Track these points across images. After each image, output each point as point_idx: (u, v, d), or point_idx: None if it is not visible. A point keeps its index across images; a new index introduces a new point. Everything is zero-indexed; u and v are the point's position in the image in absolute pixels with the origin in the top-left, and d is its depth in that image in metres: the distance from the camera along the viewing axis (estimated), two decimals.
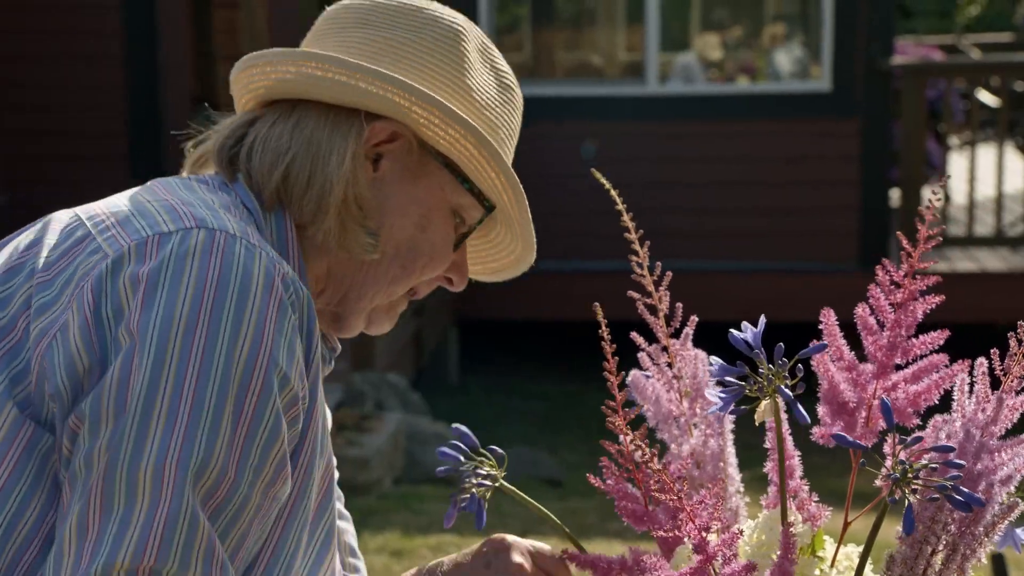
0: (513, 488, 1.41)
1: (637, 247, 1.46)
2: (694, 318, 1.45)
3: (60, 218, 1.36)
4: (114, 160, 8.65)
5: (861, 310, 1.34)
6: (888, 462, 1.25)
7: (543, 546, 1.47)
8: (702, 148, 8.45)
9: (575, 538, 1.43)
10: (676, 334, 1.46)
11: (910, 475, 1.23)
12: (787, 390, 1.28)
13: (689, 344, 1.46)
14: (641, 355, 1.45)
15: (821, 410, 1.34)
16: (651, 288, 1.44)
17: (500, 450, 1.41)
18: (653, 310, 1.47)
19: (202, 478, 1.18)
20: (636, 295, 1.46)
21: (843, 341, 1.34)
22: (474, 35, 1.47)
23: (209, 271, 1.22)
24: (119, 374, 1.20)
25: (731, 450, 1.42)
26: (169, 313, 1.20)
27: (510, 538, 1.46)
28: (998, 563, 2.45)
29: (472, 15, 8.46)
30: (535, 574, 1.45)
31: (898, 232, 1.40)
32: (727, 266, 8.24)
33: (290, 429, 1.26)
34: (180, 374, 1.19)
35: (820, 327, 1.34)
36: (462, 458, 1.42)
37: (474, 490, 1.39)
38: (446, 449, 1.41)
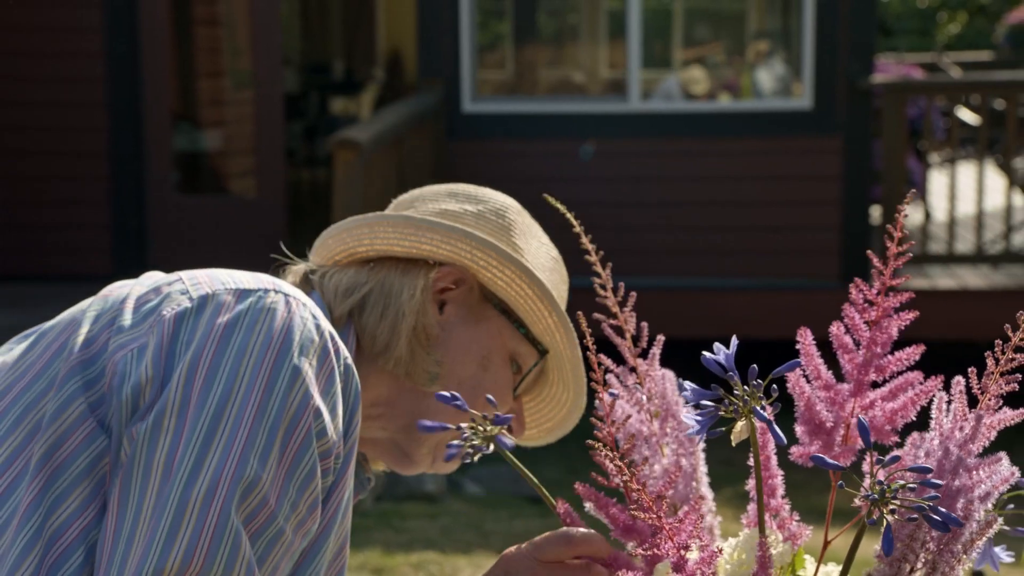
0: (511, 457, 1.40)
1: (599, 267, 1.46)
2: (661, 337, 1.46)
3: (155, 273, 1.51)
4: (96, 180, 8.63)
5: (836, 328, 1.34)
6: (866, 482, 1.25)
7: (544, 537, 1.45)
8: (684, 166, 8.47)
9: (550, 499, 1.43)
10: (645, 354, 1.47)
11: (888, 495, 1.23)
12: (763, 411, 1.28)
13: (656, 364, 1.46)
14: (609, 376, 1.45)
15: (799, 430, 1.34)
16: (615, 308, 1.44)
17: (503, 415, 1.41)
18: (619, 331, 1.47)
19: (248, 498, 1.28)
20: (601, 316, 1.47)
21: (820, 360, 1.34)
22: (520, 211, 1.66)
23: (279, 326, 1.35)
24: (183, 395, 1.31)
25: (703, 469, 1.42)
26: (241, 353, 1.33)
27: (515, 549, 1.44)
28: None
29: (454, 32, 8.51)
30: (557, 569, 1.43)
31: (868, 252, 1.41)
32: (709, 283, 8.25)
33: (322, 479, 1.37)
34: (243, 406, 1.31)
35: (797, 347, 1.35)
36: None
37: (469, 448, 1.37)
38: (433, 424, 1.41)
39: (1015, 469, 1.29)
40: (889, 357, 1.33)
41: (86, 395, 1.35)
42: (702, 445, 1.43)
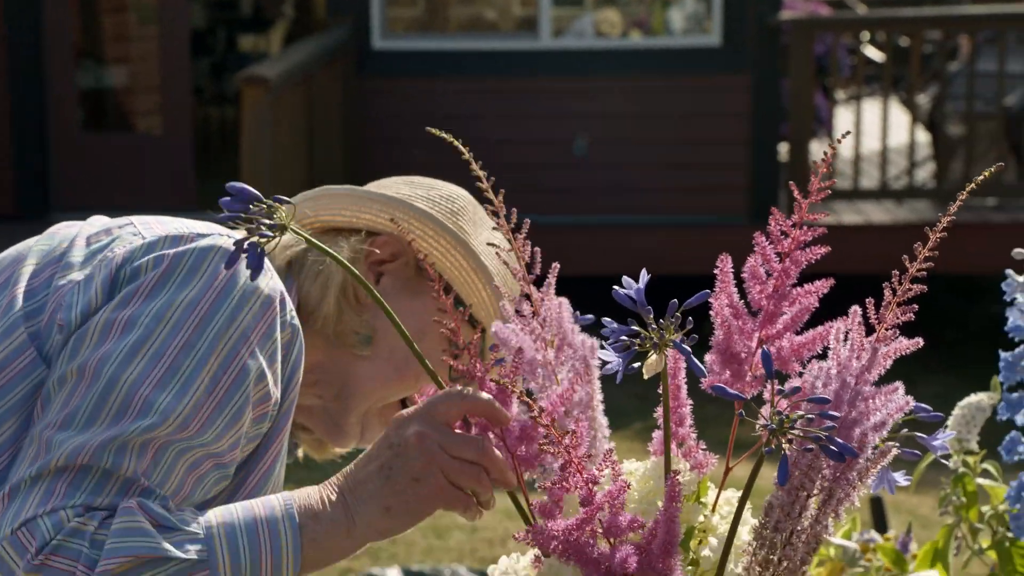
0: (303, 233, 1.38)
1: (490, 194, 1.42)
2: (556, 265, 1.44)
3: (102, 217, 1.52)
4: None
5: (751, 260, 1.34)
6: (766, 412, 1.26)
7: (437, 394, 1.41)
8: (593, 103, 8.47)
9: (436, 376, 1.42)
10: (540, 283, 1.45)
11: (786, 425, 1.24)
12: (683, 343, 1.29)
13: (552, 292, 1.45)
14: (502, 304, 1.44)
15: (710, 359, 1.35)
16: (508, 235, 1.44)
17: (288, 199, 1.38)
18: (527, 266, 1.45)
19: (163, 425, 1.32)
20: (494, 245, 1.47)
21: (735, 288, 1.35)
22: (474, 204, 1.68)
23: (223, 271, 1.38)
24: (115, 313, 1.37)
25: (599, 397, 1.43)
26: (176, 292, 1.37)
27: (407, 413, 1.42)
28: (877, 506, 2.52)
29: None
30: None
31: (790, 182, 1.42)
32: (619, 221, 8.29)
33: (256, 425, 1.41)
34: (169, 337, 1.35)
35: (715, 272, 1.35)
36: (251, 207, 1.36)
37: (257, 238, 1.34)
38: (229, 199, 1.35)
39: (910, 398, 1.31)
40: (798, 288, 1.34)
41: (27, 325, 1.39)
42: (598, 374, 1.43)
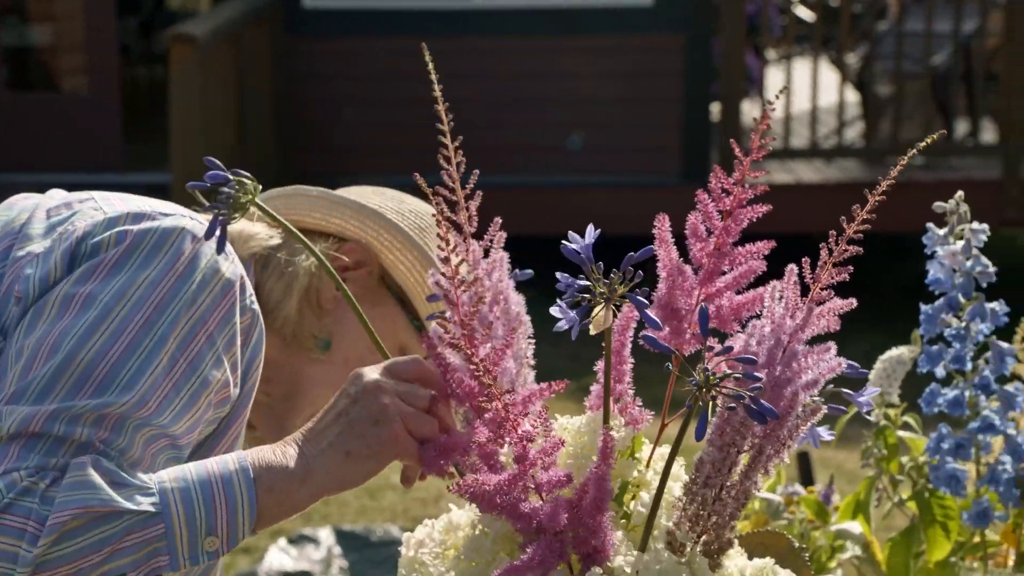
0: (266, 207, 1.40)
1: (448, 142, 1.43)
2: (498, 219, 1.44)
3: (60, 191, 1.52)
4: None
5: (693, 218, 1.35)
6: (696, 369, 1.27)
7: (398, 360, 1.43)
8: (527, 63, 8.45)
9: (380, 344, 1.43)
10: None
11: (712, 383, 1.26)
12: (639, 298, 1.29)
13: (489, 249, 1.44)
14: (438, 255, 1.44)
15: (652, 314, 1.34)
16: (460, 199, 1.43)
17: (251, 177, 1.40)
18: (456, 225, 1.44)
19: (119, 403, 1.31)
20: (439, 194, 1.42)
21: (674, 248, 1.35)
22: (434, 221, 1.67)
23: (185, 253, 1.38)
24: (75, 287, 1.35)
25: (530, 352, 1.44)
26: (138, 271, 1.36)
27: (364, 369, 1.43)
28: (804, 461, 2.55)
29: None
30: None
31: (730, 140, 1.42)
32: (552, 181, 8.29)
33: (216, 410, 1.42)
34: (129, 316, 1.34)
35: (653, 232, 1.35)
36: (229, 176, 1.38)
37: (223, 211, 1.37)
38: (216, 172, 1.38)
39: (842, 360, 1.32)
40: (739, 248, 1.35)
41: None
42: (528, 331, 1.44)
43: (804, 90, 8.40)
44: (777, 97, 1.42)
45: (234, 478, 1.32)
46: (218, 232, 1.38)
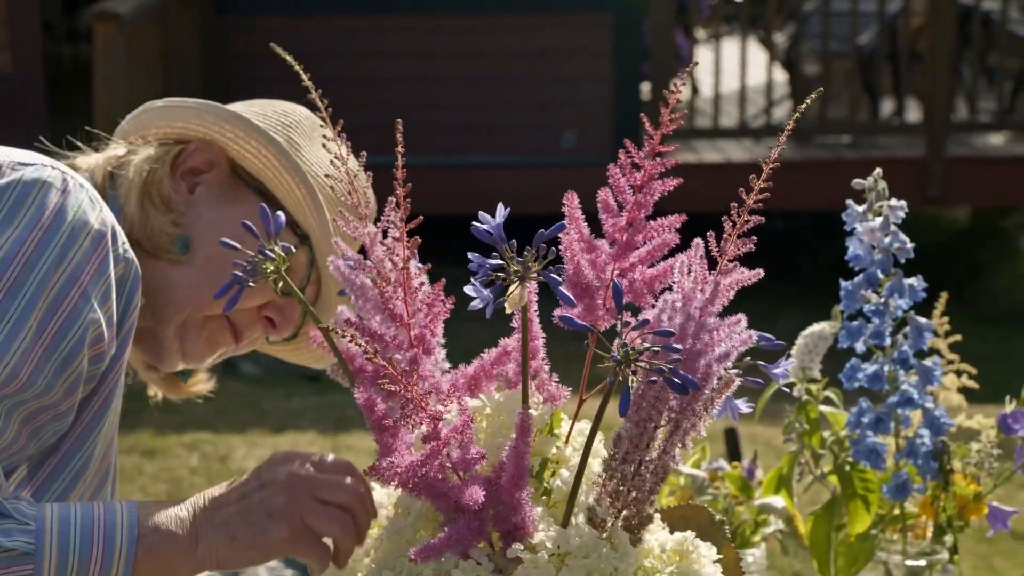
0: (290, 282, 1.39)
1: (328, 122, 1.42)
2: (392, 199, 1.42)
3: None
4: None
5: (603, 193, 1.35)
6: (615, 344, 1.27)
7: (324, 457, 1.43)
8: (455, 41, 8.43)
9: (331, 338, 1.41)
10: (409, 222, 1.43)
11: (632, 357, 1.26)
12: (553, 276, 1.29)
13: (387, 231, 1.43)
14: (335, 241, 1.43)
15: (564, 292, 1.35)
16: (349, 180, 1.42)
17: (292, 248, 1.39)
18: (352, 208, 1.42)
19: None
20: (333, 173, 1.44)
21: (584, 223, 1.35)
22: (314, 122, 1.62)
23: (50, 206, 1.33)
24: None
25: (439, 332, 1.43)
26: (5, 224, 1.30)
27: (294, 453, 1.42)
28: (731, 437, 2.57)
29: None
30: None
31: (642, 114, 1.43)
32: (480, 160, 8.28)
33: (92, 366, 1.36)
34: None
35: (563, 209, 1.35)
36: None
37: (243, 266, 1.37)
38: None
39: (753, 332, 1.33)
40: (652, 222, 1.35)
41: None
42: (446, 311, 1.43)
43: (733, 69, 8.45)
44: (688, 73, 1.42)
45: (117, 531, 1.28)
46: (232, 292, 1.36)
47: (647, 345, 1.27)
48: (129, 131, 1.61)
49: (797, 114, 1.38)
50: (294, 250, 1.43)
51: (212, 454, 5.52)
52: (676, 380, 1.26)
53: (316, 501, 1.35)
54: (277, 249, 1.38)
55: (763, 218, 1.35)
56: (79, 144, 1.62)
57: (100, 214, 1.37)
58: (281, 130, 1.59)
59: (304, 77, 1.40)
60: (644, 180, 1.35)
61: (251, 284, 1.37)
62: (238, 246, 1.41)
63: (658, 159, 1.35)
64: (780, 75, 9.09)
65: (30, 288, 1.30)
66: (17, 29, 8.60)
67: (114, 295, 1.38)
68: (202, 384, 1.70)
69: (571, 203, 1.36)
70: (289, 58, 1.42)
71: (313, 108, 1.42)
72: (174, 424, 5.83)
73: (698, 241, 1.35)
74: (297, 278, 1.57)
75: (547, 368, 1.41)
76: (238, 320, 1.58)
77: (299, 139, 1.60)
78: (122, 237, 1.39)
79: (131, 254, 1.40)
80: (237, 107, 1.62)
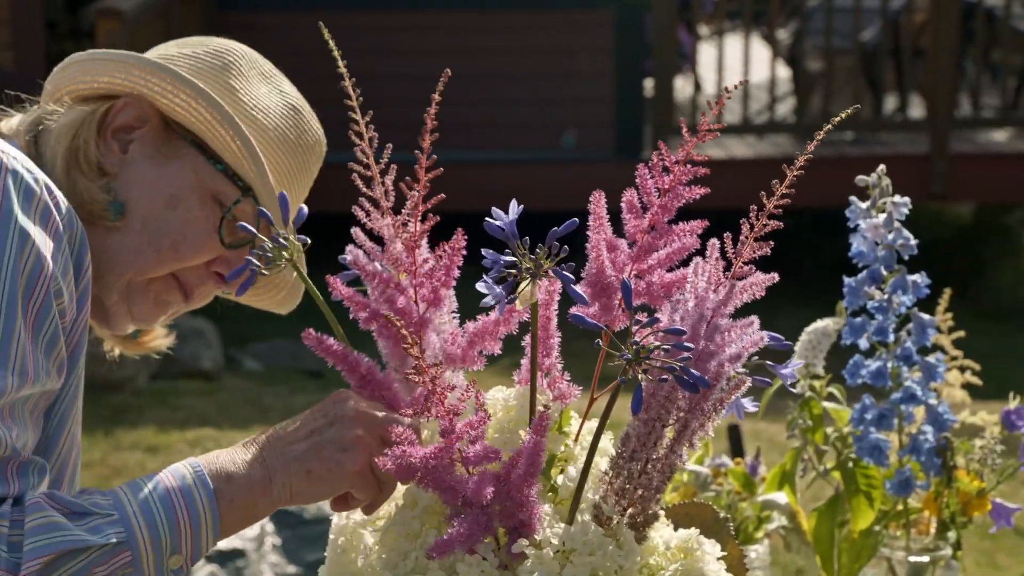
0: (303, 272, 1.39)
1: (363, 136, 1.41)
2: (414, 194, 1.41)
3: None
4: None
5: (629, 194, 1.34)
6: (627, 343, 1.27)
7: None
8: (458, 39, 8.43)
9: (343, 334, 1.41)
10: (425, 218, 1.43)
11: (642, 356, 1.26)
12: (565, 273, 1.29)
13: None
14: (354, 230, 1.41)
15: (582, 290, 1.34)
16: (376, 176, 1.41)
17: (307, 239, 1.39)
18: (374, 201, 1.41)
19: (10, 389, 1.24)
20: (360, 182, 1.41)
21: (609, 225, 1.35)
22: (255, 61, 1.56)
23: None
24: None
25: (451, 323, 1.42)
26: None
27: (351, 392, 1.41)
28: (734, 433, 2.58)
29: None
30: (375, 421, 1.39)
31: (680, 120, 1.42)
32: (485, 157, 8.28)
33: (67, 337, 1.34)
34: None
35: (589, 209, 1.34)
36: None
37: (260, 257, 1.36)
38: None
39: (764, 333, 1.33)
40: (675, 226, 1.35)
41: None
42: (453, 306, 1.42)
43: (736, 65, 8.44)
44: (735, 87, 1.41)
45: (195, 493, 1.30)
46: (246, 276, 1.36)
47: (658, 344, 1.27)
48: (53, 90, 1.53)
49: (840, 116, 1.37)
50: (239, 202, 1.44)
51: (214, 449, 5.53)
52: (687, 379, 1.26)
53: (381, 440, 1.35)
54: (292, 238, 1.38)
55: (782, 223, 1.34)
56: (2, 107, 1.54)
57: (39, 181, 1.32)
58: (215, 75, 1.52)
59: (344, 71, 1.38)
60: (672, 184, 1.34)
61: (264, 272, 1.36)
62: (255, 231, 1.40)
63: (689, 166, 1.34)
64: (783, 71, 9.08)
65: (5, 281, 1.27)
66: (20, 27, 8.60)
67: (71, 267, 1.34)
68: (160, 340, 1.64)
69: (597, 203, 1.34)
70: (337, 54, 1.40)
71: (343, 101, 1.40)
72: (176, 421, 5.83)
73: (714, 242, 1.34)
74: (241, 228, 1.49)
75: (560, 367, 1.41)
76: (187, 278, 1.51)
77: (236, 81, 1.53)
78: (60, 197, 1.35)
79: (75, 218, 1.36)
80: (169, 51, 1.54)
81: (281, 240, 1.38)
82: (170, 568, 1.30)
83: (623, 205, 1.35)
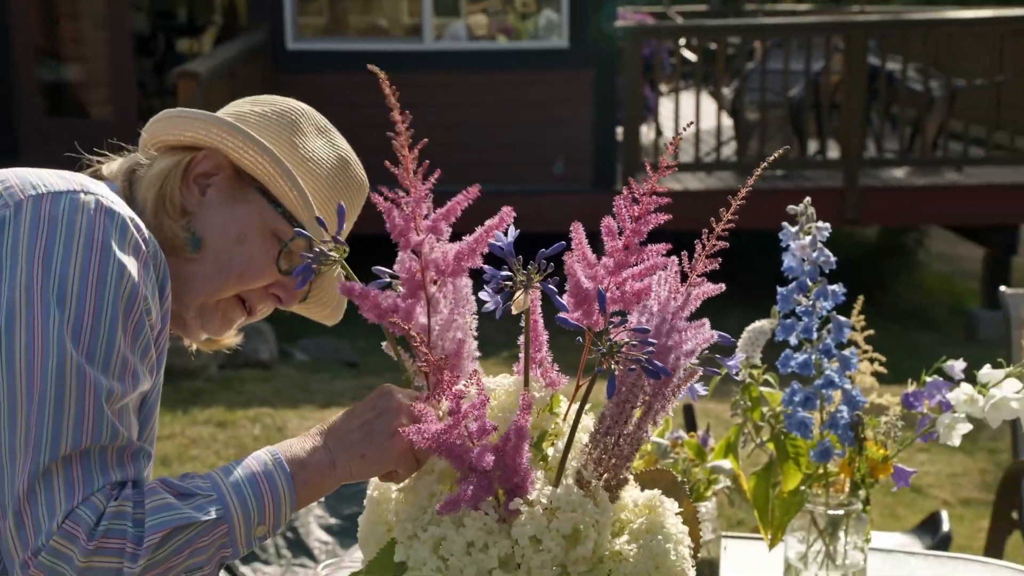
0: (348, 268, 1.38)
1: (408, 161, 1.40)
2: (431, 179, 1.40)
3: None
4: None
5: (608, 221, 1.34)
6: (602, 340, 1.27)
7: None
8: (467, 93, 8.44)
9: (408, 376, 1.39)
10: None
11: (615, 350, 1.27)
12: (550, 285, 1.29)
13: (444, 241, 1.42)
14: (324, 234, 1.41)
15: (566, 299, 1.34)
16: (417, 189, 1.39)
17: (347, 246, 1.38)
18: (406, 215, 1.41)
19: (115, 393, 1.25)
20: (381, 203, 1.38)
21: (588, 247, 1.34)
22: (313, 118, 1.54)
23: (96, 225, 1.27)
24: (27, 298, 1.23)
25: (471, 322, 1.41)
26: (67, 257, 1.25)
27: (393, 387, 1.40)
28: (688, 412, 2.57)
29: None
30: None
31: (645, 160, 1.41)
32: (490, 188, 8.27)
33: (155, 350, 1.34)
34: (79, 308, 1.24)
35: (571, 236, 1.34)
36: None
37: (313, 254, 1.36)
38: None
39: (714, 332, 1.34)
40: (646, 248, 1.34)
41: None
42: (473, 309, 1.42)
43: (689, 115, 8.43)
44: (686, 128, 1.42)
45: (275, 476, 1.31)
46: (305, 274, 1.35)
47: (627, 340, 1.27)
48: (148, 139, 1.52)
49: (773, 156, 1.36)
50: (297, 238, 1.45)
51: (271, 425, 5.51)
52: (650, 368, 1.26)
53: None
54: (343, 244, 1.37)
55: (728, 244, 1.33)
56: (105, 153, 1.55)
57: (131, 222, 1.32)
58: (279, 132, 1.51)
59: (400, 121, 1.38)
60: (642, 212, 1.34)
61: (321, 268, 1.35)
62: (308, 234, 1.41)
63: (654, 196, 1.33)
64: (727, 121, 9.08)
65: (108, 303, 1.26)
66: (116, 87, 8.62)
67: (156, 286, 1.34)
68: (230, 339, 1.62)
69: (577, 232, 1.34)
70: (396, 108, 1.38)
71: (385, 148, 1.39)
72: (240, 402, 5.82)
73: (674, 259, 1.35)
74: (297, 260, 1.50)
75: (550, 359, 1.41)
76: (250, 298, 1.51)
77: (296, 138, 1.51)
78: (147, 233, 1.34)
79: (157, 245, 1.35)
80: (243, 109, 1.53)
81: (331, 247, 1.37)
82: (256, 536, 1.30)
83: (602, 229, 1.35)
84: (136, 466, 1.26)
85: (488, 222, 1.34)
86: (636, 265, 1.34)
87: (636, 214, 1.33)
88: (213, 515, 1.26)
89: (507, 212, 1.34)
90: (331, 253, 1.36)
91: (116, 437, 1.24)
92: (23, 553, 1.20)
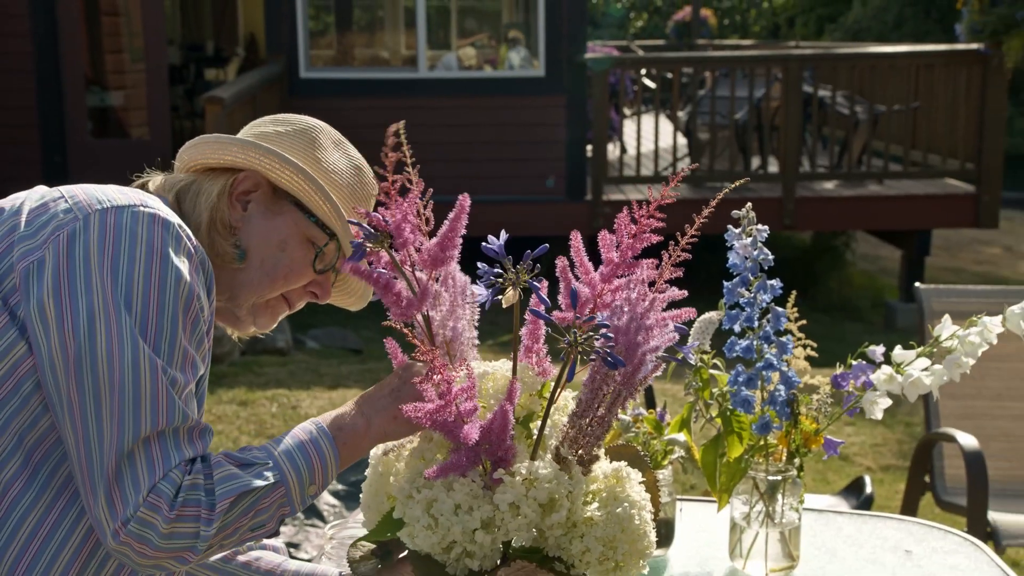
0: (391, 253, 1.34)
1: (411, 171, 1.38)
2: (462, 222, 1.37)
3: (40, 188, 1.37)
4: (28, 127, 8.11)
5: (604, 234, 1.33)
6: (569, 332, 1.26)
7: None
8: (457, 116, 8.43)
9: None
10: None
11: (579, 341, 1.26)
12: (535, 283, 1.28)
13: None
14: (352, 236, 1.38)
15: (560, 300, 1.35)
16: (417, 202, 1.38)
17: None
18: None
19: (180, 382, 1.26)
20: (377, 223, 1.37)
21: (585, 254, 1.33)
22: (328, 133, 1.54)
23: (156, 235, 1.27)
24: (103, 301, 1.23)
25: (469, 314, 1.40)
26: (131, 263, 1.25)
27: (414, 361, 1.39)
28: (648, 392, 2.56)
29: (292, 20, 8.20)
30: None
31: (648, 187, 1.39)
32: (481, 199, 8.24)
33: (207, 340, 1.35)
34: (144, 308, 1.24)
35: (570, 243, 1.33)
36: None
37: (363, 236, 1.32)
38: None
39: (676, 333, 1.33)
40: (636, 260, 1.34)
41: (1, 289, 1.27)
42: (475, 303, 1.41)
43: (650, 135, 8.43)
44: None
45: (321, 442, 1.32)
46: (358, 253, 1.32)
47: (590, 334, 1.26)
48: (188, 160, 1.52)
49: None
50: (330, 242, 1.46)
51: (286, 404, 5.49)
52: (608, 360, 1.26)
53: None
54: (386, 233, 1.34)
55: (691, 255, 1.33)
56: (149, 169, 1.55)
57: (184, 232, 1.32)
58: (304, 149, 1.50)
59: (406, 150, 1.35)
60: (639, 231, 1.33)
61: (369, 246, 1.31)
62: (363, 225, 1.37)
63: (652, 219, 1.33)
64: (682, 140, 9.09)
65: (169, 302, 1.27)
66: (152, 111, 8.57)
67: (204, 290, 1.34)
68: (244, 333, 1.62)
69: (576, 240, 1.33)
70: (402, 134, 1.36)
71: (383, 168, 1.36)
72: (259, 383, 5.80)
73: (643, 262, 1.34)
74: (330, 260, 1.52)
75: (544, 350, 1.40)
76: (291, 295, 1.52)
77: (319, 153, 1.52)
78: (197, 242, 1.35)
79: (204, 252, 1.36)
80: (267, 129, 1.52)
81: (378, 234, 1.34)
82: (309, 494, 1.31)
83: (600, 243, 1.34)
84: (204, 443, 1.27)
85: (451, 214, 1.32)
86: (625, 276, 1.33)
87: (633, 232, 1.33)
88: (272, 480, 1.27)
89: (464, 198, 1.33)
90: (377, 234, 1.33)
91: (186, 419, 1.25)
92: (114, 523, 1.21)
